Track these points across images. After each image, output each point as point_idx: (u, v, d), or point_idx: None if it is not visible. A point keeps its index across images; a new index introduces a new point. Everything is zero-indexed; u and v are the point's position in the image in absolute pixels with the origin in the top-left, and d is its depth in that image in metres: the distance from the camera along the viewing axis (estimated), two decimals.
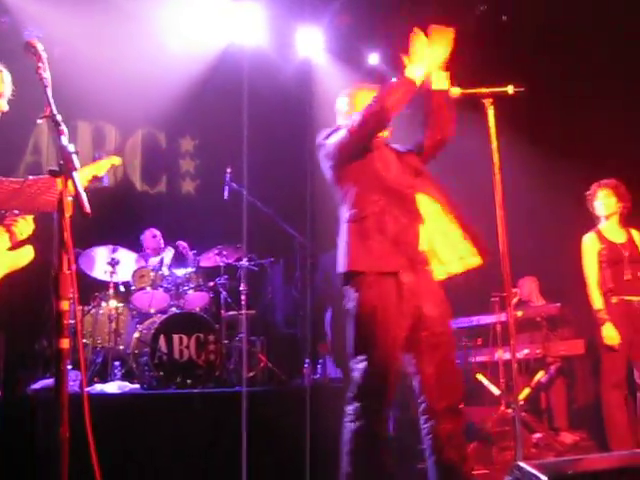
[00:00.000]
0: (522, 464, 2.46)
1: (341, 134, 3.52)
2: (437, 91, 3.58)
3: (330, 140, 3.60)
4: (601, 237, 5.46)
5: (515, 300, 7.02)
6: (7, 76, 3.46)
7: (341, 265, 3.46)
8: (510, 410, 5.81)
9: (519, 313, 6.37)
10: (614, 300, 5.34)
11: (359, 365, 3.32)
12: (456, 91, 3.66)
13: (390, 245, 3.36)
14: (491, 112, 3.64)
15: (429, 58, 3.46)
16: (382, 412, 3.34)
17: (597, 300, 5.36)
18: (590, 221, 5.65)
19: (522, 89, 3.63)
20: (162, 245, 7.40)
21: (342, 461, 3.36)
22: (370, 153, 3.55)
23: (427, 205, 3.54)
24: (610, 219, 5.49)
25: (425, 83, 3.53)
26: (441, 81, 3.59)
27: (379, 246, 3.36)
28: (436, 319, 3.40)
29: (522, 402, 5.97)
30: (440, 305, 3.47)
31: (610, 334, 5.25)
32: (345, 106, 3.82)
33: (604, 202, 5.48)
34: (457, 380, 3.44)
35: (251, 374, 6.56)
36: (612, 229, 5.50)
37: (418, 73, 3.46)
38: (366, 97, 3.58)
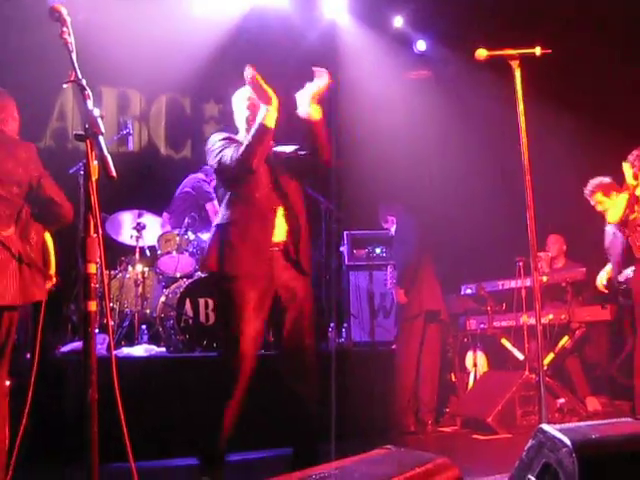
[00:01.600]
0: (546, 427, 2.46)
1: (224, 157, 3.87)
2: (316, 121, 3.86)
3: (215, 151, 3.96)
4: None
5: (545, 262, 6.97)
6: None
7: (206, 263, 3.97)
8: (534, 375, 5.82)
9: (544, 278, 6.35)
10: None
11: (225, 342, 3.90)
12: (482, 53, 3.62)
13: (250, 251, 3.79)
14: (518, 74, 3.59)
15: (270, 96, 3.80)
16: (241, 378, 3.74)
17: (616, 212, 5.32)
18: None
19: (549, 51, 3.58)
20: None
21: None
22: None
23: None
24: None
25: (305, 115, 3.86)
26: (317, 113, 3.84)
27: (240, 251, 3.79)
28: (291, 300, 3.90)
29: (546, 367, 5.97)
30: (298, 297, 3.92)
31: None
32: (241, 109, 4.15)
33: None
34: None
35: (273, 338, 6.60)
36: None
37: (271, 117, 3.80)
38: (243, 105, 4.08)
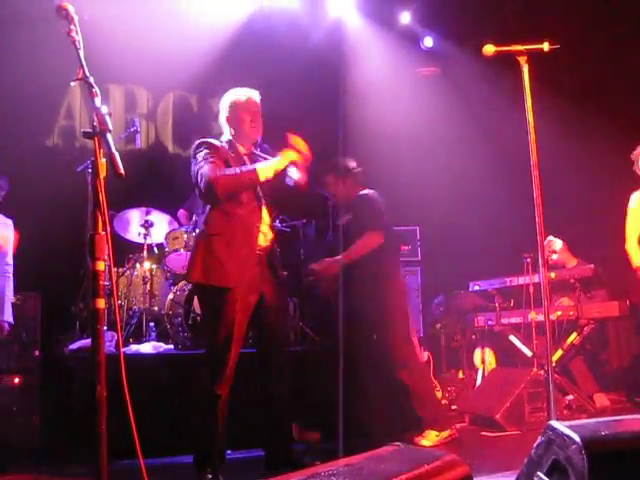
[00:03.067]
0: (555, 424, 2.45)
1: (200, 172, 3.91)
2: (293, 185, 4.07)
3: (197, 160, 3.99)
4: None
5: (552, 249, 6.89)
6: None
7: (192, 275, 4.05)
8: (542, 372, 5.80)
9: (552, 275, 6.32)
10: None
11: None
12: (490, 49, 3.61)
13: (236, 262, 3.90)
14: (526, 70, 3.58)
15: (284, 161, 4.00)
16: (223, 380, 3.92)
17: (637, 256, 5.26)
18: (632, 181, 5.55)
19: (558, 46, 3.57)
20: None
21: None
22: None
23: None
24: None
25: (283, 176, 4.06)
26: (295, 176, 4.06)
27: (226, 264, 3.89)
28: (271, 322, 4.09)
29: (554, 364, 5.95)
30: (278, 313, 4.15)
31: None
32: (226, 114, 4.22)
33: None
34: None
35: None
36: None
37: (268, 174, 3.95)
38: (245, 110, 4.12)
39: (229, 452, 4.85)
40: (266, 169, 3.94)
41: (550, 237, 6.57)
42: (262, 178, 3.92)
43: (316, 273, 5.24)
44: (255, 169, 3.91)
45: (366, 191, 5.37)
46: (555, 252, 6.69)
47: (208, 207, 4.03)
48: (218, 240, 3.92)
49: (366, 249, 5.08)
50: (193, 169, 3.97)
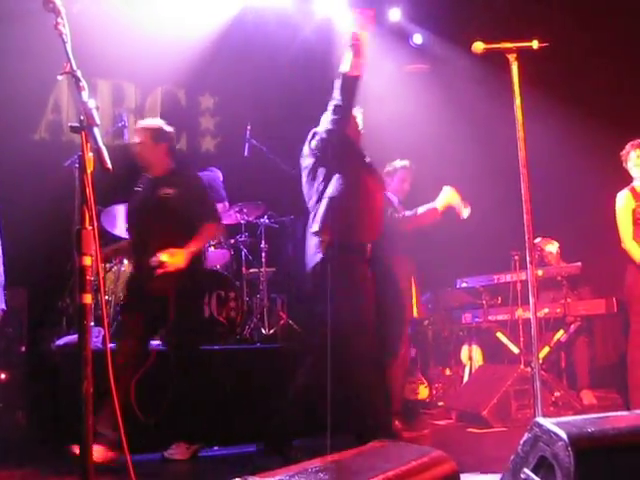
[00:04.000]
0: (541, 421, 2.46)
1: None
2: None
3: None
4: (635, 195, 5.37)
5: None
6: None
7: (325, 232, 4.55)
8: (529, 369, 5.83)
9: (540, 272, 6.35)
10: None
11: None
12: (479, 46, 3.61)
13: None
14: (515, 68, 3.58)
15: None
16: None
17: (638, 252, 5.26)
18: (617, 180, 5.56)
19: (547, 44, 3.57)
20: None
21: None
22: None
23: None
24: None
25: None
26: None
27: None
28: None
29: (541, 361, 5.98)
30: None
31: None
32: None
33: (636, 163, 5.39)
34: None
35: (271, 331, 6.59)
36: None
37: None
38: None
39: (216, 449, 4.87)
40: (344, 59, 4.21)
41: (550, 239, 6.65)
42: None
43: (163, 264, 4.54)
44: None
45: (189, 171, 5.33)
46: (543, 250, 6.72)
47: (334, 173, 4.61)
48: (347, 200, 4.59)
49: (206, 242, 5.17)
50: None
